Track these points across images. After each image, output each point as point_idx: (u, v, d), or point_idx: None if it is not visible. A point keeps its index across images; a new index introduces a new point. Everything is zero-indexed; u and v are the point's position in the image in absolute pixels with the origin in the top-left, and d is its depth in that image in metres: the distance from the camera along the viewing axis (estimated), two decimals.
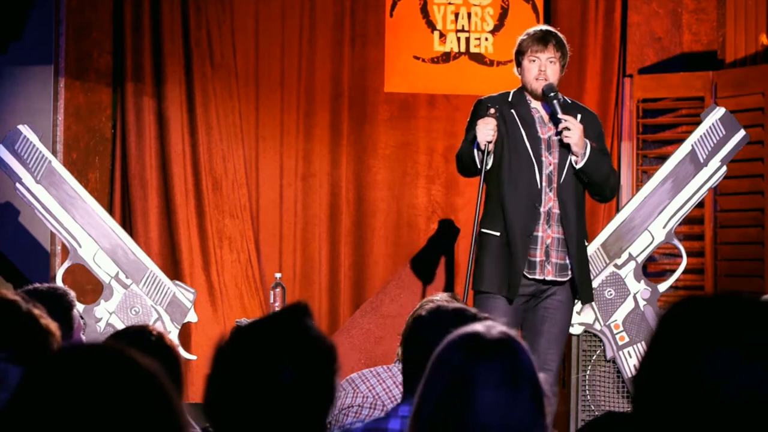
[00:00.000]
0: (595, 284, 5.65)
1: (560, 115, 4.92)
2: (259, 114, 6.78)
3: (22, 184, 5.62)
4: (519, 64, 5.07)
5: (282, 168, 6.79)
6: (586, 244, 5.09)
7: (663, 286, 5.75)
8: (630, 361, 5.65)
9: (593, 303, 5.60)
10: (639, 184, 6.53)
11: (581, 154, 4.93)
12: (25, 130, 5.65)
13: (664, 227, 5.71)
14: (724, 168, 5.71)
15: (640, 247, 5.71)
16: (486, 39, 6.92)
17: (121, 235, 5.72)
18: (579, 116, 5.00)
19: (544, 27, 5.14)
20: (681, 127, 6.69)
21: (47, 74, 6.35)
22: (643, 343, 5.66)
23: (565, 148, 4.96)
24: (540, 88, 4.98)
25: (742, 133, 5.71)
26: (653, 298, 5.70)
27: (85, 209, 5.66)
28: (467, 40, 6.91)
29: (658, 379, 1.39)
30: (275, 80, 6.79)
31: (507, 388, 1.86)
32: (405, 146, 6.87)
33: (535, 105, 5.05)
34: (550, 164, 4.97)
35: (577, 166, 4.94)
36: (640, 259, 5.71)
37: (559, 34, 5.08)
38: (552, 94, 4.94)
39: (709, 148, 5.70)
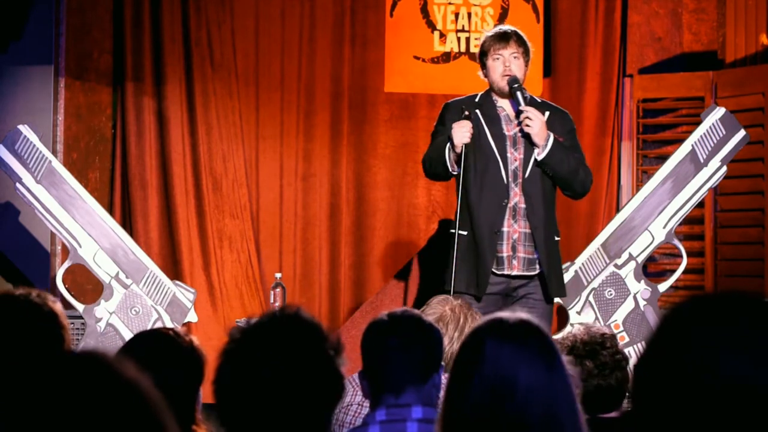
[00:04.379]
0: (595, 284, 5.65)
1: (522, 107, 4.95)
2: (259, 114, 6.78)
3: (22, 184, 5.62)
4: (484, 66, 5.11)
5: (282, 168, 6.78)
6: (557, 238, 5.09)
7: (663, 286, 5.75)
8: (630, 361, 5.64)
9: (593, 303, 5.61)
10: (639, 184, 6.53)
11: (542, 145, 4.95)
12: (25, 130, 5.65)
13: (664, 227, 5.71)
14: (724, 168, 5.71)
15: (640, 247, 5.71)
16: None
17: (121, 235, 5.71)
18: (547, 113, 5.04)
19: (504, 26, 5.19)
20: (681, 127, 6.69)
21: (47, 74, 6.35)
22: (643, 342, 5.66)
23: (531, 144, 4.99)
24: (506, 83, 5.02)
25: (742, 133, 5.71)
26: (653, 298, 5.70)
27: (85, 209, 5.66)
28: (467, 40, 6.91)
29: (654, 368, 1.42)
30: (275, 80, 6.79)
31: (544, 367, 1.91)
32: (405, 146, 6.87)
33: (502, 104, 5.09)
34: (516, 160, 5.00)
35: (538, 158, 4.96)
36: (640, 259, 5.71)
37: (520, 31, 5.11)
38: (516, 85, 4.98)
39: (709, 148, 5.70)
